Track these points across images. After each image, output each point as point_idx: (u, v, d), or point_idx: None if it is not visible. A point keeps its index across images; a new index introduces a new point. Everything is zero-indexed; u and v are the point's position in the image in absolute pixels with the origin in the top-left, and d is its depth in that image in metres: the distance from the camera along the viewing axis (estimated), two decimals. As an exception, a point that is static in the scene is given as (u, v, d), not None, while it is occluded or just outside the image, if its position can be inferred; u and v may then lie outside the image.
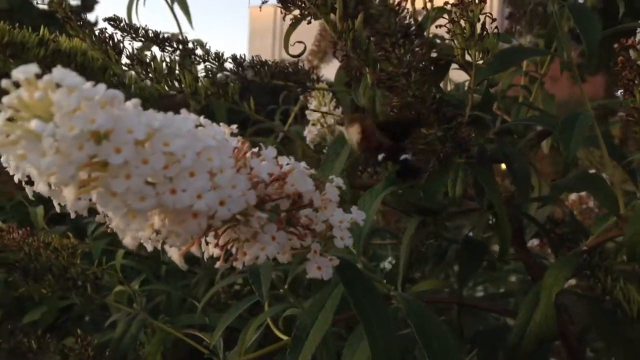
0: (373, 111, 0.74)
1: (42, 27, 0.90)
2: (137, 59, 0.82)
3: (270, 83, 0.82)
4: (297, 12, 0.74)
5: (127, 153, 0.28)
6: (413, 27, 0.50)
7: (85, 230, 1.33)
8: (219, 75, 0.89)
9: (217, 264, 0.39)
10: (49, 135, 0.26)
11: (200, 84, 0.83)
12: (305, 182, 0.39)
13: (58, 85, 0.28)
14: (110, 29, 0.84)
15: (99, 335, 1.15)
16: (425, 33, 0.75)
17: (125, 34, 0.85)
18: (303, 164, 0.41)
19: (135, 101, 0.30)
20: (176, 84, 0.83)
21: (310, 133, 1.15)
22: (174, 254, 0.35)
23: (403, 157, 0.53)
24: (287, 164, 0.40)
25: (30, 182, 0.52)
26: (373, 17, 0.61)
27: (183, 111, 0.34)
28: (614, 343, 0.81)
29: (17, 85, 0.28)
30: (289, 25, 0.79)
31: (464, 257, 0.86)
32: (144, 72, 0.83)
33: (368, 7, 0.67)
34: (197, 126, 0.34)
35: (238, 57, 0.84)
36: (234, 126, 0.38)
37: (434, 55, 0.76)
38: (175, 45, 0.86)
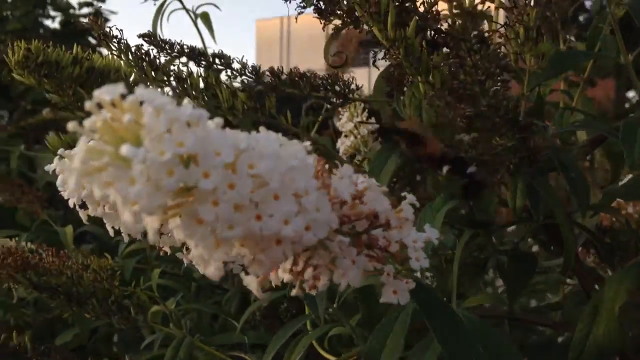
0: (420, 121, 0.72)
1: (75, 45, 0.89)
2: (174, 75, 0.80)
3: (310, 95, 0.80)
4: (337, 21, 0.73)
5: (216, 177, 0.26)
6: (487, 33, 0.48)
7: (110, 247, 1.32)
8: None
9: (293, 292, 0.37)
10: (140, 161, 0.24)
11: (238, 98, 0.82)
12: (381, 200, 0.37)
13: (140, 104, 0.26)
14: (145, 45, 0.83)
15: (130, 355, 1.14)
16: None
17: (161, 49, 0.84)
18: (374, 180, 0.39)
19: (218, 120, 0.28)
20: (213, 99, 0.82)
21: (343, 144, 1.12)
22: (252, 283, 0.33)
23: (470, 170, 0.50)
24: (362, 182, 0.38)
25: (83, 206, 0.50)
26: (427, 25, 0.59)
27: (262, 129, 0.32)
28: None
29: (99, 106, 0.27)
30: (329, 36, 0.77)
31: (514, 270, 0.83)
32: (180, 88, 0.81)
33: (415, 14, 0.65)
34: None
35: (276, 69, 0.82)
36: (308, 143, 0.36)
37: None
38: (211, 60, 0.85)
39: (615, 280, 0.72)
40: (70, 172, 0.26)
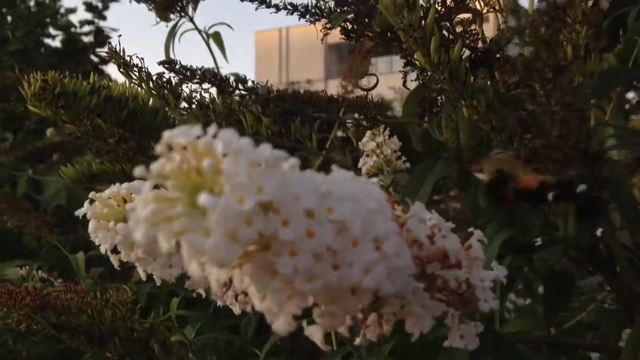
0: (458, 145, 0.69)
1: (92, 74, 0.87)
2: (196, 102, 0.78)
3: (340, 119, 0.78)
4: (369, 44, 0.71)
5: (296, 226, 0.24)
6: (562, 62, 0.45)
7: (119, 271, 1.28)
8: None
9: (358, 340, 0.33)
10: (220, 212, 0.22)
11: (262, 124, 0.79)
12: (451, 240, 0.34)
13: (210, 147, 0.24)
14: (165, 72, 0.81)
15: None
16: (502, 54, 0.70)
17: (182, 76, 0.81)
18: (440, 217, 0.36)
19: (293, 162, 0.25)
20: (237, 125, 0.79)
21: (366, 164, 1.09)
22: (316, 333, 0.30)
23: (580, 189, 0.45)
24: (429, 218, 0.35)
25: (115, 251, 0.47)
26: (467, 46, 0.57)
27: (335, 167, 0.29)
28: None
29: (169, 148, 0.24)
30: (359, 59, 0.75)
31: (552, 292, 0.80)
32: (204, 115, 0.79)
33: (453, 34, 0.63)
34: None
35: (302, 93, 0.80)
36: (375, 179, 0.33)
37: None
38: (234, 85, 0.82)
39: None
40: (137, 222, 0.23)
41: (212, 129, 0.25)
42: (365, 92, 0.78)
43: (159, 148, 0.24)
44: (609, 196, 0.64)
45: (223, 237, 0.22)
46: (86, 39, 3.60)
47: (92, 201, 0.44)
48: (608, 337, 0.89)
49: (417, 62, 0.59)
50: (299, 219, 0.24)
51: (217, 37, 1.42)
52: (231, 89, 0.82)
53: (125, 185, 0.46)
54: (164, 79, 0.78)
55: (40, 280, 1.12)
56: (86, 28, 3.57)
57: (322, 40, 0.79)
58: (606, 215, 0.49)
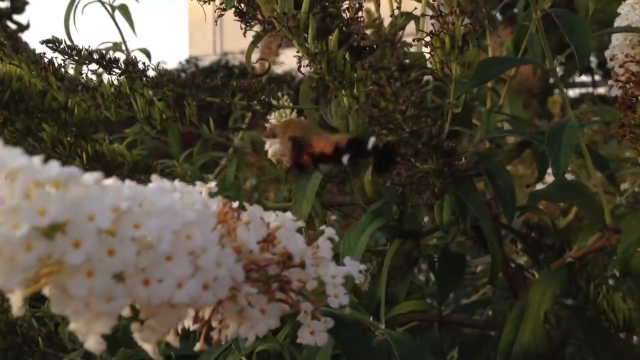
0: (347, 131, 0.69)
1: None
2: (81, 84, 0.74)
3: (233, 104, 0.76)
4: (258, 28, 0.69)
5: (89, 247, 0.23)
6: (408, 60, 0.45)
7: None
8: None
9: (197, 346, 0.33)
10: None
11: (154, 107, 0.76)
12: (295, 240, 0.34)
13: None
14: (49, 52, 0.77)
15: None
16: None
17: (67, 56, 0.77)
18: (289, 215, 0.36)
19: (96, 176, 0.24)
20: (127, 108, 0.76)
21: (272, 147, 1.08)
22: (147, 346, 0.29)
23: (371, 144, 0.45)
24: (274, 220, 0.35)
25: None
26: (345, 33, 0.56)
27: (155, 177, 0.28)
28: (601, 352, 0.79)
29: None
30: (250, 43, 0.73)
31: (443, 271, 0.83)
32: (90, 98, 0.75)
33: (339, 19, 0.62)
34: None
35: (194, 77, 0.77)
36: (213, 184, 0.32)
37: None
38: (124, 67, 0.79)
39: (541, 283, 0.72)
40: None
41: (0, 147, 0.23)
42: (258, 76, 0.76)
43: None
44: (490, 184, 0.66)
45: (-1, 264, 0.21)
46: (2, 5, 3.39)
47: None
48: (498, 314, 0.93)
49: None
50: (91, 240, 0.23)
51: (124, 9, 1.36)
52: (120, 70, 0.78)
53: None
54: (45, 60, 0.73)
55: None
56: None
57: (215, 21, 0.77)
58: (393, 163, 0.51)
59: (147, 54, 1.59)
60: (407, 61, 0.44)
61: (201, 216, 0.27)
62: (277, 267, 0.33)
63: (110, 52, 1.41)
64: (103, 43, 1.39)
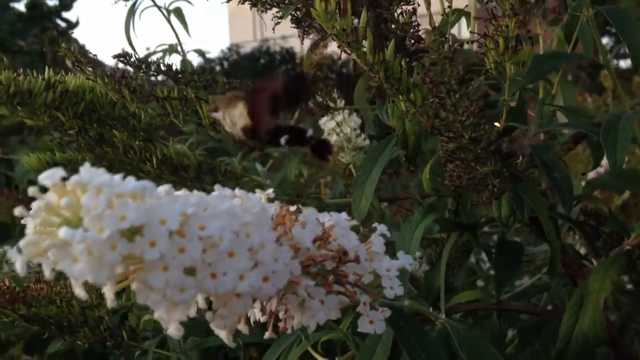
0: (404, 131, 0.72)
1: (47, 68, 0.88)
2: (152, 94, 0.80)
3: (292, 106, 0.80)
4: (314, 36, 0.72)
5: (162, 246, 0.26)
6: (468, 74, 0.48)
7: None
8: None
9: (266, 335, 0.37)
10: (79, 242, 0.24)
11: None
12: (349, 237, 0.37)
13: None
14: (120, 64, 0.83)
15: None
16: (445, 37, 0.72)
17: (137, 69, 0.83)
18: (344, 215, 0.39)
19: (167, 188, 0.28)
20: (193, 115, 0.81)
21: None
22: (222, 334, 0.33)
23: (309, 134, 0.51)
24: (329, 220, 0.38)
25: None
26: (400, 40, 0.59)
27: (217, 187, 0.32)
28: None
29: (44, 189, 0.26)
30: (307, 50, 0.76)
31: (501, 260, 0.83)
32: (160, 107, 0.81)
33: (397, 30, 0.65)
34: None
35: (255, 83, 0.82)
36: (270, 191, 0.35)
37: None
38: (189, 77, 0.84)
39: (600, 271, 0.72)
40: (17, 256, 0.26)
41: (85, 167, 0.27)
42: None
43: (30, 190, 0.26)
44: (546, 176, 0.66)
45: (88, 262, 0.25)
46: (51, 3, 3.54)
47: None
48: (556, 301, 0.93)
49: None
50: (164, 240, 0.26)
51: (178, 12, 1.42)
52: (186, 81, 0.83)
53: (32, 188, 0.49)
54: (119, 75, 0.79)
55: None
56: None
57: (273, 29, 0.81)
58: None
59: (202, 54, 1.64)
60: (467, 75, 0.46)
61: (258, 217, 0.30)
62: (334, 262, 0.36)
63: (167, 54, 1.48)
64: (160, 45, 1.46)
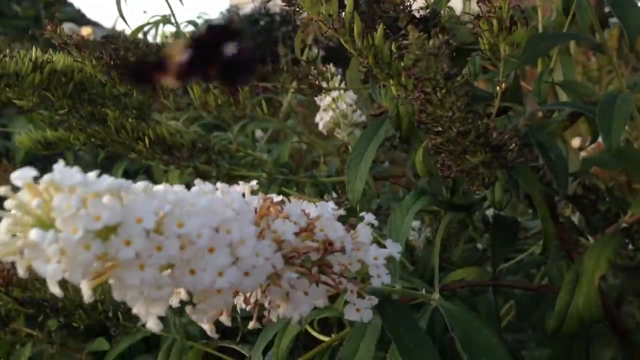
0: (397, 114, 0.71)
1: (34, 48, 0.86)
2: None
3: (284, 87, 0.78)
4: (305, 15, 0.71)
5: (137, 245, 0.26)
6: (455, 69, 0.47)
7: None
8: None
9: (250, 324, 0.36)
10: (50, 243, 0.24)
11: (210, 94, 0.80)
12: (334, 228, 0.37)
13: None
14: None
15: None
16: (441, 13, 0.70)
17: (126, 50, 0.82)
18: (330, 205, 0.38)
19: (143, 185, 0.27)
20: (184, 97, 0.80)
21: (322, 119, 1.10)
22: (204, 325, 0.33)
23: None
24: (315, 211, 0.37)
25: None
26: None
27: (197, 181, 0.31)
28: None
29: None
30: (298, 31, 0.75)
31: (497, 236, 0.83)
32: (151, 89, 0.79)
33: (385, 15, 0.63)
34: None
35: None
36: (254, 182, 0.35)
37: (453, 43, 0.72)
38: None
39: (595, 249, 0.71)
40: None
41: (58, 166, 0.26)
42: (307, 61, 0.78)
43: (1, 190, 0.26)
44: (542, 156, 0.66)
45: (62, 263, 0.24)
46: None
47: None
48: (551, 274, 0.93)
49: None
50: (139, 239, 0.26)
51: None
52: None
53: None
54: (107, 57, 0.78)
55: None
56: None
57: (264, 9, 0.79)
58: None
59: (195, 25, 1.62)
60: (454, 71, 0.45)
61: (239, 213, 0.30)
62: (318, 254, 0.36)
63: (161, 25, 1.44)
64: (153, 17, 1.43)
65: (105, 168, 1.76)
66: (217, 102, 0.81)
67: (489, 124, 0.49)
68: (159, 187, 0.29)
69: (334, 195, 0.99)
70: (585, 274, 0.70)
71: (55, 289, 0.26)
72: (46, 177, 0.26)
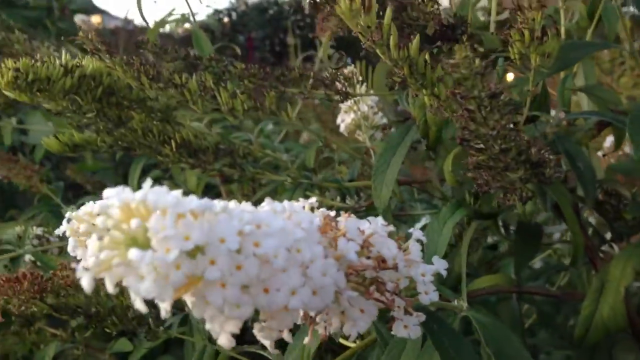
0: (425, 122, 0.72)
1: (64, 53, 0.87)
2: (171, 82, 0.80)
3: (310, 94, 0.79)
4: (333, 24, 0.71)
5: (222, 265, 0.27)
6: (500, 89, 0.48)
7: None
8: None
9: (306, 340, 0.38)
10: (147, 263, 0.25)
11: (237, 99, 0.81)
12: (387, 246, 0.38)
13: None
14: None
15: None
16: (468, 20, 0.71)
17: (156, 56, 0.83)
18: (380, 220, 0.39)
19: (223, 204, 0.29)
20: (212, 102, 0.81)
21: (344, 122, 1.11)
22: (265, 341, 0.34)
23: None
24: (368, 227, 0.38)
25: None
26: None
27: (268, 200, 0.32)
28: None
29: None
30: (325, 38, 0.76)
31: (520, 243, 0.84)
32: (179, 94, 0.81)
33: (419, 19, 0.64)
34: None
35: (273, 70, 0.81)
36: (314, 199, 0.36)
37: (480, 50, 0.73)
38: (207, 63, 0.84)
39: (621, 258, 0.72)
40: (84, 272, 0.27)
41: (146, 186, 0.28)
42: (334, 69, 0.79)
43: (96, 207, 0.27)
44: (570, 165, 0.67)
45: (154, 281, 0.25)
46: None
47: (69, 220, 0.46)
48: (574, 281, 0.94)
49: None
50: (224, 259, 0.27)
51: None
52: (204, 67, 0.83)
53: (97, 203, 0.50)
54: (138, 63, 0.79)
55: (36, 237, 1.15)
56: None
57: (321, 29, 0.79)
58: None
59: (213, 25, 1.62)
60: (499, 90, 0.46)
61: (307, 233, 0.31)
62: (374, 271, 0.37)
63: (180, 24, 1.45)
64: (170, 14, 1.44)
65: (124, 165, 1.76)
66: (244, 106, 0.82)
67: (530, 141, 0.50)
68: (233, 206, 0.30)
69: (356, 198, 1.00)
70: (611, 283, 0.71)
71: (141, 305, 0.27)
72: (138, 196, 0.27)
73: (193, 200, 0.27)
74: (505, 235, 0.84)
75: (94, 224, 0.46)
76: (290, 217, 0.32)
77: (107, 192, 0.28)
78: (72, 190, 1.75)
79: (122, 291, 0.79)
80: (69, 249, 0.45)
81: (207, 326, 0.30)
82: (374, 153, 0.97)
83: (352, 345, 0.76)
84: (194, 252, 0.27)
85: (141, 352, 0.96)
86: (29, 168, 1.30)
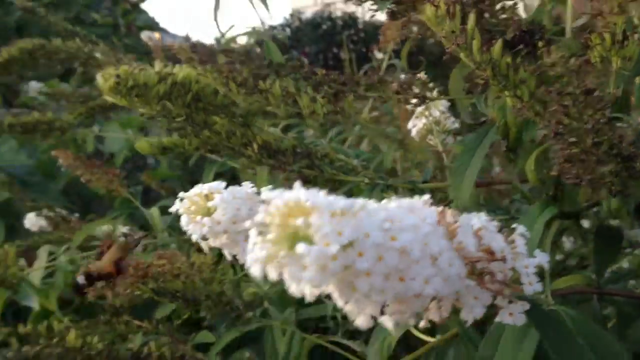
0: (505, 123, 0.74)
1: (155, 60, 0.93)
2: (256, 87, 0.85)
3: (389, 98, 0.83)
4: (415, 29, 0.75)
5: (369, 256, 0.31)
6: (595, 85, 0.50)
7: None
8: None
9: (421, 324, 0.41)
10: (313, 256, 0.29)
11: (317, 104, 0.85)
12: (496, 239, 0.41)
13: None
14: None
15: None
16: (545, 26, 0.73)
17: (241, 63, 0.88)
18: (484, 216, 0.42)
19: (361, 202, 0.32)
20: (294, 106, 0.86)
21: (416, 127, 1.13)
22: (388, 324, 0.38)
23: None
24: (477, 223, 0.41)
25: (204, 238, 0.56)
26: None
27: (394, 199, 0.36)
28: None
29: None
30: (405, 44, 0.79)
31: (600, 245, 0.84)
32: (264, 99, 0.85)
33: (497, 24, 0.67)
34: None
35: (352, 75, 0.85)
36: (427, 197, 0.39)
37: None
38: (290, 70, 0.88)
39: None
40: (255, 262, 0.31)
41: (298, 186, 0.32)
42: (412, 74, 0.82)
43: (260, 214, 0.31)
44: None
45: (316, 271, 0.29)
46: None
47: (181, 199, 0.55)
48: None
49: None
50: (370, 251, 0.31)
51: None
52: (286, 73, 0.87)
53: (206, 185, 0.56)
54: (228, 71, 0.84)
55: (122, 235, 1.23)
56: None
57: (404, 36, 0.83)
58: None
59: (284, 39, 1.70)
60: (594, 86, 0.49)
61: (434, 227, 0.34)
62: (485, 263, 0.40)
63: (250, 37, 1.53)
64: (230, 29, 1.51)
65: (192, 173, 1.85)
66: (324, 110, 0.86)
67: (622, 135, 0.52)
68: (369, 205, 0.34)
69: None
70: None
71: (296, 289, 0.31)
72: (290, 196, 0.31)
73: (340, 200, 0.31)
74: (584, 237, 0.85)
75: (202, 203, 0.52)
76: (416, 214, 0.35)
77: (266, 194, 0.32)
78: (143, 195, 1.85)
79: (212, 280, 0.84)
80: (182, 223, 0.51)
81: (345, 307, 0.34)
82: (446, 157, 0.99)
83: (431, 340, 0.79)
84: (346, 247, 0.31)
85: (223, 342, 1.02)
86: (110, 173, 1.38)
